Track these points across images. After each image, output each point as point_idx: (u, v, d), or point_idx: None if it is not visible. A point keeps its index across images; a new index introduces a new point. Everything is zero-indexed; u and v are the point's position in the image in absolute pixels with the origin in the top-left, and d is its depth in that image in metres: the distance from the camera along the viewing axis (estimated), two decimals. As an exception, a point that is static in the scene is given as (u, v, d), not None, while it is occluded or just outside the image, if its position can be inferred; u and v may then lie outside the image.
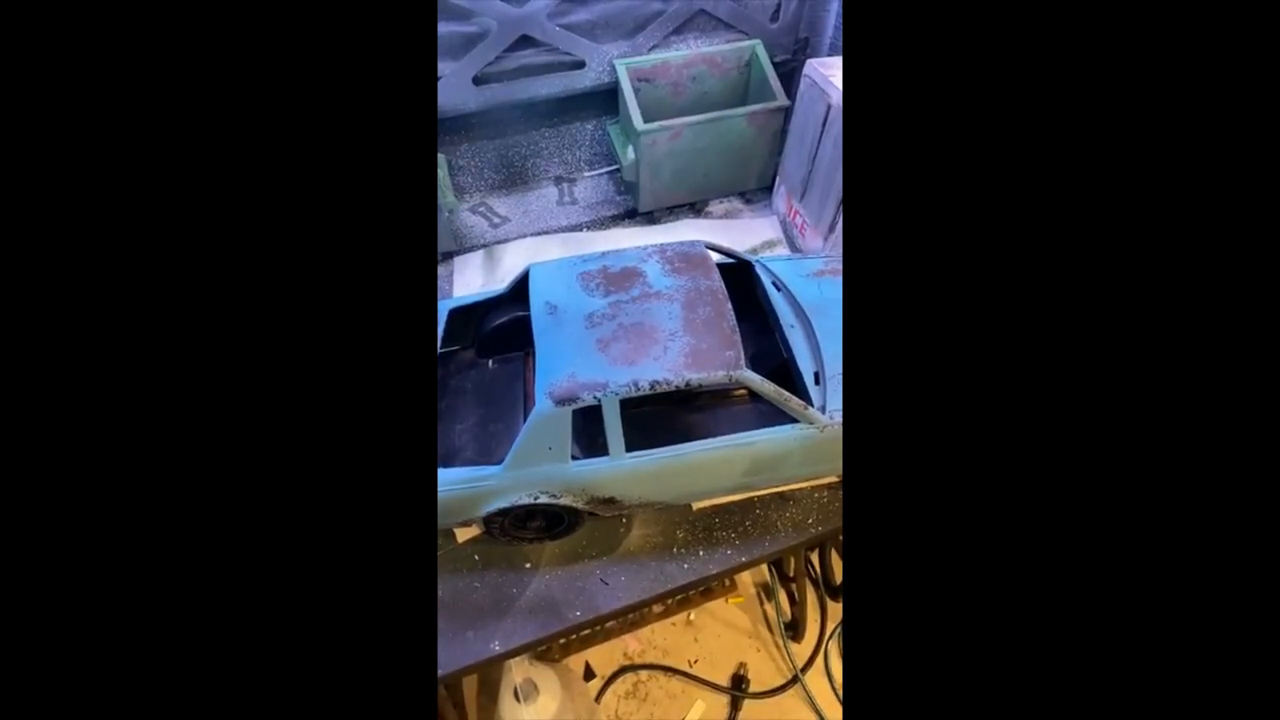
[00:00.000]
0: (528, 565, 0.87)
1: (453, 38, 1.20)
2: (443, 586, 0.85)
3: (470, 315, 0.98)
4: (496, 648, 0.80)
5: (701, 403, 0.92)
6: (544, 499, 0.77)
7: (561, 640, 0.95)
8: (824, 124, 1.09)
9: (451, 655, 0.79)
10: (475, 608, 0.83)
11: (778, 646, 1.61)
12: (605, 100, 1.38)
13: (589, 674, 1.58)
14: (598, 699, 1.53)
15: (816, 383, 0.82)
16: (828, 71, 1.08)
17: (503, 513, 0.79)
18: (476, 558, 0.88)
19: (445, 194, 1.21)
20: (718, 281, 0.84)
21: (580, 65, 1.29)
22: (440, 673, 0.78)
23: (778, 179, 1.35)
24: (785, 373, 0.86)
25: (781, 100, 1.29)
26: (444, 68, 1.21)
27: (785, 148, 1.29)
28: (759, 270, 0.96)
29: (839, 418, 0.79)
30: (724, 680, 1.56)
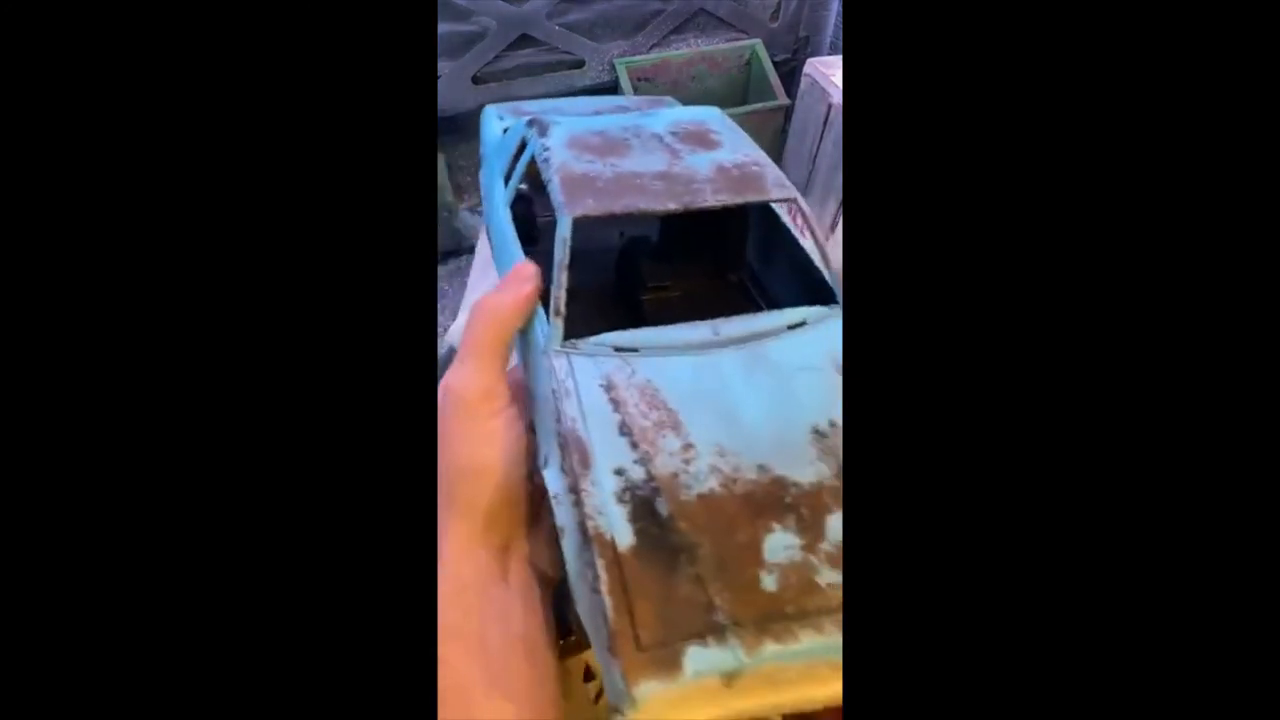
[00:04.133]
0: (528, 565, 0.87)
1: (452, 38, 1.19)
2: (443, 587, 0.84)
3: None
4: (496, 648, 0.79)
5: None
6: None
7: (561, 640, 0.95)
8: (824, 124, 1.09)
9: (451, 655, 0.79)
10: (475, 608, 0.83)
11: (777, 646, 1.61)
12: (605, 100, 1.38)
13: (589, 674, 1.58)
14: (597, 699, 1.53)
15: None
16: (828, 71, 1.08)
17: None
18: (476, 558, 0.87)
19: (445, 194, 1.21)
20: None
21: (580, 65, 1.29)
22: (440, 673, 0.78)
23: (778, 179, 1.35)
24: None
25: (782, 100, 1.29)
26: (443, 67, 1.21)
27: (785, 147, 1.29)
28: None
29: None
30: (724, 680, 1.55)
